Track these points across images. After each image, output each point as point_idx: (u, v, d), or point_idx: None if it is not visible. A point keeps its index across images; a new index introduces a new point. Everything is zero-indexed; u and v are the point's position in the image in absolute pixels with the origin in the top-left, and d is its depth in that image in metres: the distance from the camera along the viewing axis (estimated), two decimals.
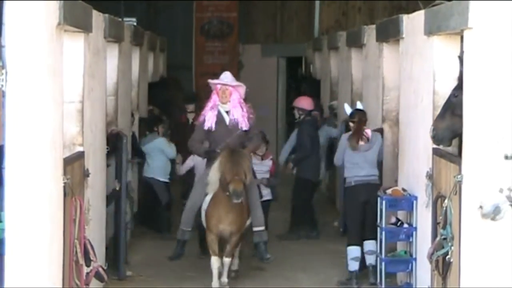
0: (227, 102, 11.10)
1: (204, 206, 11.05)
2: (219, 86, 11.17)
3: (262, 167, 12.82)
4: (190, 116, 15.85)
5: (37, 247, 7.39)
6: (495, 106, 7.70)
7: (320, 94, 19.25)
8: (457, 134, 8.93)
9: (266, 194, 12.99)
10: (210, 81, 11.45)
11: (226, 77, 11.34)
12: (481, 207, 7.53)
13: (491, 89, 7.82)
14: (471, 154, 8.34)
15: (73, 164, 9.05)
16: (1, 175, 7.31)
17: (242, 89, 11.40)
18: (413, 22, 10.74)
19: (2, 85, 7.19)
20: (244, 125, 11.06)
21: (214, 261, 10.86)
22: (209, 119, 11.10)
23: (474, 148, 8.27)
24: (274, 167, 13.27)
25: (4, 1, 7.15)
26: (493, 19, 7.72)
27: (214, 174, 10.79)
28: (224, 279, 11.04)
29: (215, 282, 10.87)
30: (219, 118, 11.09)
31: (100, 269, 9.77)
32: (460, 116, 8.66)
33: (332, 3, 22.65)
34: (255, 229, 11.23)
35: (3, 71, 7.21)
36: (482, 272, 8.00)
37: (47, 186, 7.60)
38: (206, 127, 11.14)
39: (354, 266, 11.63)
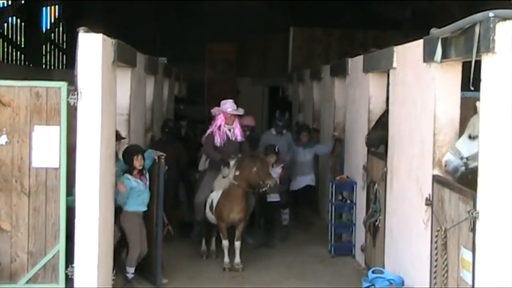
0: (232, 124, 10.16)
1: (209, 200, 10.01)
2: (229, 114, 10.07)
3: (273, 174, 10.39)
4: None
5: (94, 213, 7.35)
6: (411, 120, 7.71)
7: (291, 111, 19.30)
8: (384, 142, 8.95)
9: (274, 196, 11.11)
10: (229, 111, 10.05)
11: (233, 106, 10.16)
12: (445, 165, 6.44)
13: (408, 110, 7.85)
14: (392, 153, 8.41)
15: None
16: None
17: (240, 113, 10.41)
18: (355, 63, 10.75)
19: (74, 102, 7.20)
20: (240, 138, 10.26)
21: (226, 243, 9.87)
22: (218, 137, 10.07)
23: (395, 149, 8.32)
24: (283, 174, 11.15)
25: (78, 45, 7.16)
26: (408, 62, 7.76)
27: (231, 173, 9.75)
28: (238, 259, 9.83)
29: (226, 258, 9.85)
30: (226, 135, 10.14)
31: None
32: (387, 130, 8.70)
33: (300, 51, 22.65)
34: None
35: (75, 92, 7.22)
36: (398, 233, 8.03)
37: (104, 170, 7.57)
38: (217, 143, 10.07)
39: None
